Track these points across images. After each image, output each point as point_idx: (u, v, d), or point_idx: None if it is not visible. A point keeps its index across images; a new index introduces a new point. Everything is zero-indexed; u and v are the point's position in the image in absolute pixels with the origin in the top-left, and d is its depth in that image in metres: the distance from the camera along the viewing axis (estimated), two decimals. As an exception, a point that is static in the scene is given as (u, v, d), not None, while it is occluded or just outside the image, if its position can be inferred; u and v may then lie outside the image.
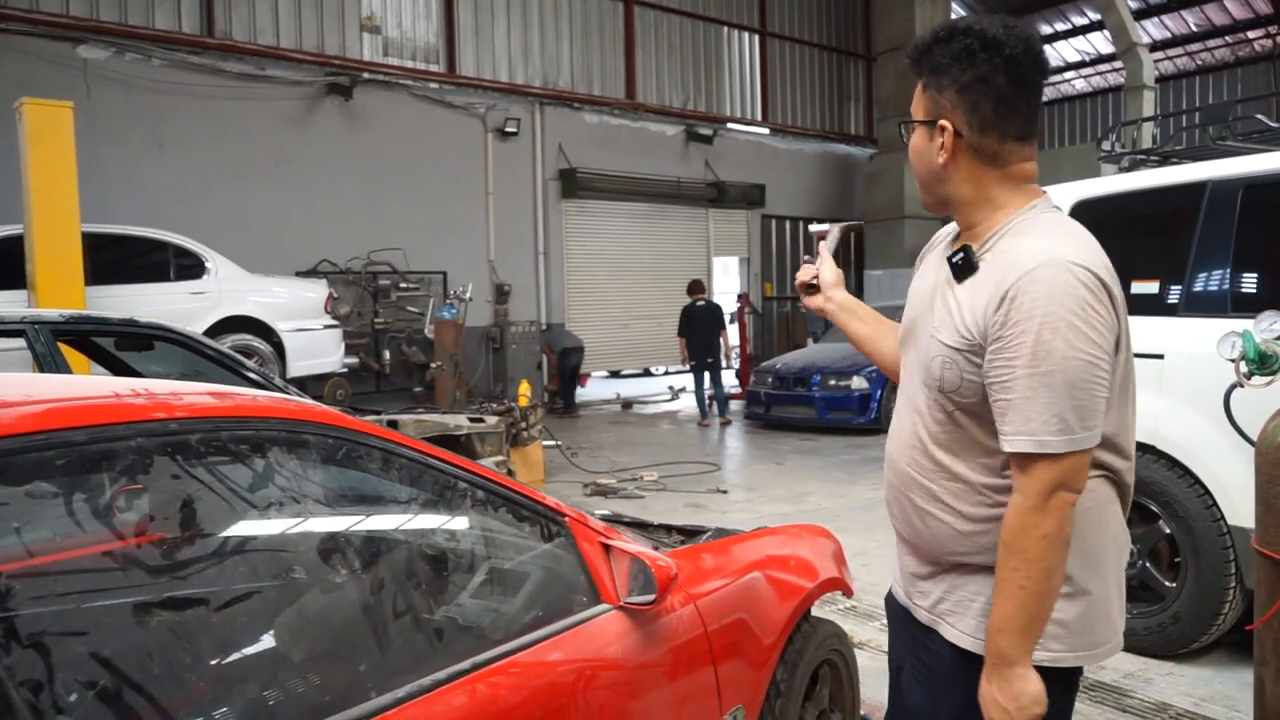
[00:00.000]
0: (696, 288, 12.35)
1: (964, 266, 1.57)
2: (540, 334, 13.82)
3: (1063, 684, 1.58)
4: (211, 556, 1.42)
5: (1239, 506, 3.51)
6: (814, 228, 2.08)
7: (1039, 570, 1.44)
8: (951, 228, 1.74)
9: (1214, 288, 3.82)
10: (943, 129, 1.56)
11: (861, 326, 1.97)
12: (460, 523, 1.84)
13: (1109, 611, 1.59)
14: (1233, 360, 2.60)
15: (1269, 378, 2.53)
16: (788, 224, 18.75)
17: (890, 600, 1.89)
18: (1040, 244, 1.48)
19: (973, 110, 1.53)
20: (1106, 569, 1.58)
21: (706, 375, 12.16)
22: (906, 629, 1.78)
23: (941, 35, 1.56)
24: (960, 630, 1.61)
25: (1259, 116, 4.72)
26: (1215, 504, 3.67)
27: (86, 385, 1.44)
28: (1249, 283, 3.81)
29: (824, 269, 1.99)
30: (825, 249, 2.03)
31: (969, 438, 1.56)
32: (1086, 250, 1.48)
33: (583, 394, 15.55)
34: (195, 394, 1.47)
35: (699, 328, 12.08)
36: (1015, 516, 1.45)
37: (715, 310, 12.35)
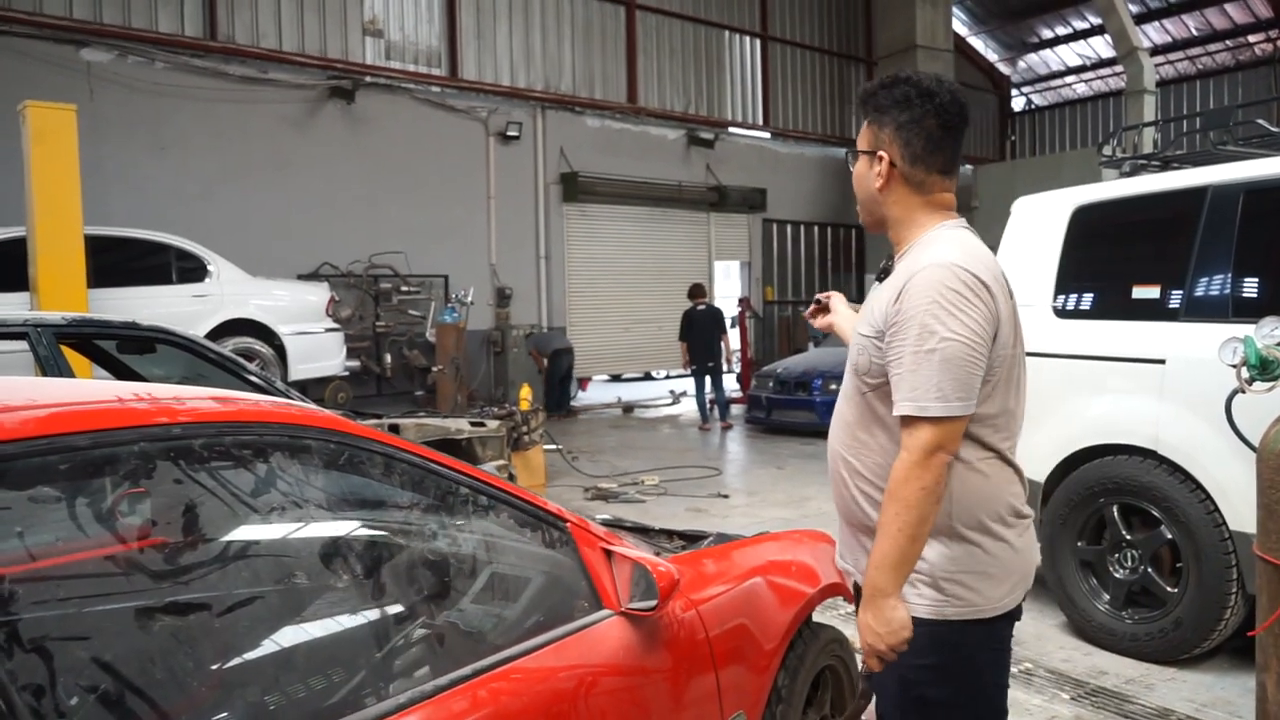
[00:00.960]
0: (697, 292, 12.34)
1: (884, 272, 1.93)
2: (526, 338, 13.77)
3: (953, 638, 1.81)
4: (214, 561, 1.42)
5: (1241, 512, 3.50)
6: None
7: (915, 516, 1.70)
8: None
9: (1215, 293, 3.81)
10: (880, 158, 1.88)
11: None
12: (462, 528, 1.84)
13: (1000, 578, 1.82)
14: (1234, 366, 2.60)
15: (1270, 383, 2.53)
16: (789, 228, 18.76)
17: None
18: (935, 251, 1.80)
19: (906, 145, 1.86)
20: (1003, 541, 1.82)
21: (707, 379, 12.15)
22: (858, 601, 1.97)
23: (886, 82, 1.90)
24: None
25: (1260, 121, 4.72)
26: (1217, 509, 3.66)
27: (89, 389, 1.44)
28: (1250, 288, 3.80)
29: (834, 297, 2.33)
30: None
31: (875, 415, 1.86)
32: (970, 257, 1.78)
33: (584, 397, 15.56)
34: (198, 399, 1.47)
35: (700, 332, 12.07)
36: (900, 469, 1.72)
37: (716, 314, 12.35)
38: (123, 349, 4.58)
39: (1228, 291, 3.78)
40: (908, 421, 1.72)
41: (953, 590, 1.80)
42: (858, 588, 1.93)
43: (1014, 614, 1.88)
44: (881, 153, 1.88)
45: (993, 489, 1.82)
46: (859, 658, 1.84)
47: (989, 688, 1.88)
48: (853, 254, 19.86)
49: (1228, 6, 20.51)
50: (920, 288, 1.73)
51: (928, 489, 1.70)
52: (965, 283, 1.72)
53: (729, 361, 12.71)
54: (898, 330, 1.75)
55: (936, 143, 1.85)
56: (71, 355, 4.32)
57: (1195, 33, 21.52)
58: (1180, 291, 3.92)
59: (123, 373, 4.55)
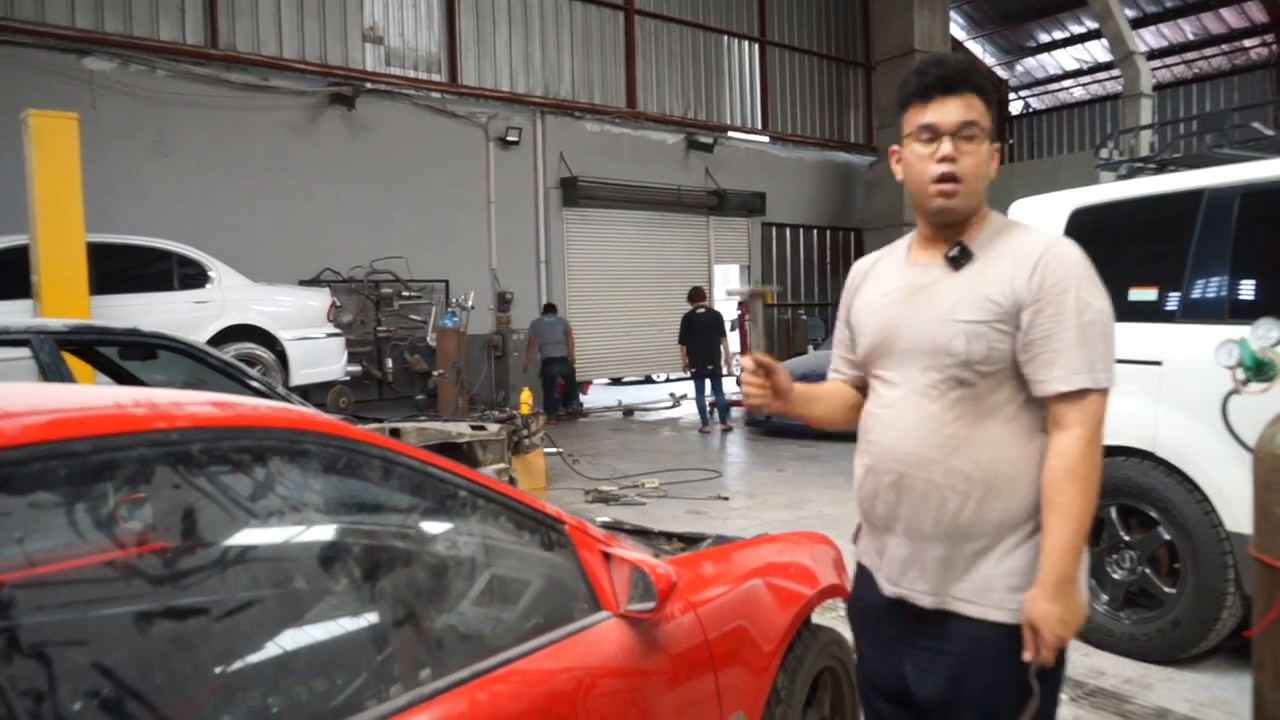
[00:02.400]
0: (697, 295, 12.35)
1: (961, 258, 1.77)
2: (532, 322, 13.73)
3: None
4: (213, 566, 1.43)
5: (1237, 513, 3.51)
6: (730, 290, 2.19)
7: (1092, 494, 1.65)
8: (877, 255, 1.98)
9: (1212, 295, 3.82)
10: (997, 147, 1.81)
11: (825, 405, 2.05)
12: (460, 531, 1.85)
13: None
14: (1230, 367, 2.61)
15: (1266, 384, 2.54)
16: (788, 231, 18.77)
17: (861, 607, 1.95)
18: (1038, 232, 1.77)
19: (994, 131, 1.79)
20: None
21: (707, 382, 12.16)
22: (898, 625, 1.83)
23: (967, 64, 1.78)
24: (986, 605, 1.71)
25: (1255, 125, 4.74)
26: (1214, 510, 3.67)
27: (89, 395, 1.45)
28: (1246, 290, 3.81)
29: (777, 378, 1.91)
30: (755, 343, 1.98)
31: (983, 407, 1.72)
32: None
33: (584, 401, 15.56)
34: (197, 404, 1.48)
35: (699, 335, 12.09)
36: (1077, 446, 1.64)
37: (715, 318, 12.36)
38: (124, 355, 4.60)
39: (1224, 293, 3.79)
40: (1075, 396, 1.65)
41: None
42: (912, 608, 1.79)
43: None
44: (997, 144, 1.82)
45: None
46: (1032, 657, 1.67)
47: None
48: (851, 257, 19.87)
49: (1224, 11, 20.55)
50: (1062, 262, 1.69)
51: (1099, 465, 1.66)
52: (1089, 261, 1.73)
53: (729, 364, 12.73)
54: (1045, 306, 1.67)
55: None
56: (74, 362, 4.33)
57: (1192, 37, 21.56)
58: (1177, 293, 3.93)
59: (125, 379, 4.57)
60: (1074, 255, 1.71)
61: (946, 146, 1.73)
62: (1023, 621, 1.67)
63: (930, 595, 1.76)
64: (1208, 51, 21.58)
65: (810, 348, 15.14)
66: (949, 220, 1.79)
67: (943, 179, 1.74)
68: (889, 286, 1.87)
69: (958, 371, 1.72)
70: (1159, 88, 18.11)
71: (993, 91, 1.78)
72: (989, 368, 1.71)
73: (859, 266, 2.01)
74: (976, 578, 1.72)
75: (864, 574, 1.95)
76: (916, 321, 1.78)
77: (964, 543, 1.73)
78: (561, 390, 13.87)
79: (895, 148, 1.86)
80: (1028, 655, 1.66)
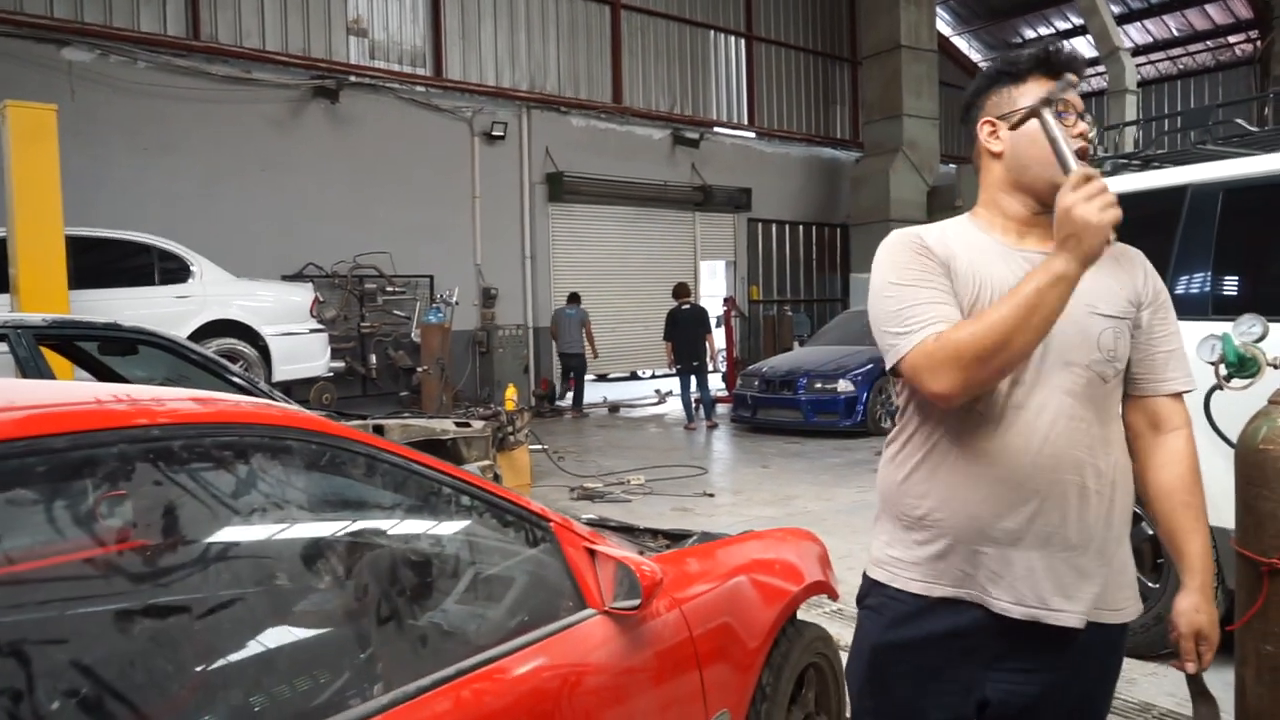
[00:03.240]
0: (681, 291, 12.34)
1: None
2: (554, 313, 13.99)
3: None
4: (194, 563, 1.41)
5: (1221, 507, 3.50)
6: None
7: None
8: (963, 230, 1.72)
9: (1195, 291, 3.84)
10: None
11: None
12: (444, 528, 1.84)
13: None
14: (1212, 363, 2.62)
15: (1248, 380, 2.55)
16: (774, 227, 18.80)
17: (918, 641, 1.68)
18: None
19: None
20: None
21: (693, 379, 12.17)
22: (985, 651, 1.65)
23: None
24: (1115, 609, 1.67)
25: (1239, 121, 4.76)
26: (1197, 505, 3.69)
27: (67, 391, 1.43)
28: (1230, 286, 3.84)
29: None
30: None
31: (1112, 409, 1.69)
32: None
33: (569, 397, 15.54)
34: (177, 400, 1.46)
35: (684, 331, 12.08)
36: (1191, 445, 1.70)
37: (700, 313, 12.36)
38: (104, 350, 4.56)
39: (1207, 289, 3.81)
40: (1180, 397, 1.72)
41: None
42: (1014, 625, 1.62)
43: None
44: None
45: None
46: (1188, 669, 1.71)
47: None
48: (838, 253, 19.92)
49: (1208, 7, 20.69)
50: (1154, 270, 1.74)
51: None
52: None
53: (714, 361, 12.73)
54: (1159, 307, 1.72)
55: None
56: (52, 357, 4.29)
57: (1176, 33, 21.69)
58: (1161, 289, 3.95)
59: (104, 374, 4.52)
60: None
61: (1085, 123, 1.65)
62: (1186, 632, 1.66)
63: (1072, 609, 1.60)
64: (1192, 47, 21.74)
65: (796, 344, 15.15)
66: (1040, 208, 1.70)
67: (1081, 154, 1.59)
68: (1000, 273, 1.63)
69: (1103, 369, 1.63)
70: (1144, 84, 18.24)
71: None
72: (1120, 365, 1.67)
73: (929, 240, 1.69)
74: (1112, 581, 1.64)
75: (928, 603, 1.67)
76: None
77: (1105, 547, 1.62)
78: (572, 385, 13.94)
79: (992, 119, 1.71)
80: (1191, 666, 1.67)
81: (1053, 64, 1.66)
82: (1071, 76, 1.65)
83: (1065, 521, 1.59)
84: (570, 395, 14.24)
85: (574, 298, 14.00)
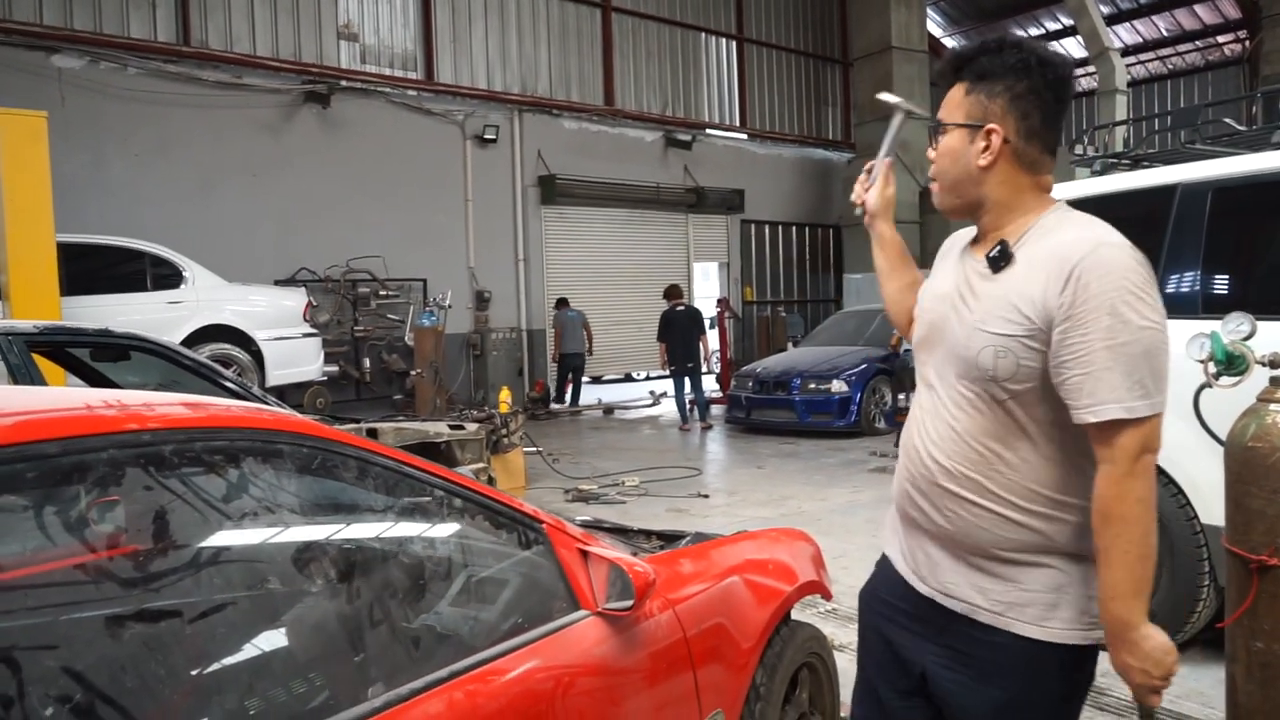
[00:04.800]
0: (674, 292, 12.36)
1: (1000, 259, 1.63)
2: (554, 316, 14.26)
3: (1082, 663, 1.67)
4: (186, 568, 1.41)
5: (1212, 505, 3.54)
6: (883, 97, 2.02)
7: (1139, 533, 1.51)
8: (967, 232, 1.80)
9: (1185, 289, 3.86)
10: (990, 133, 1.64)
11: (882, 261, 2.06)
12: (437, 531, 1.84)
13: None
14: (1201, 361, 2.63)
15: (1237, 378, 2.56)
16: (767, 228, 18.82)
17: (881, 596, 1.85)
18: (1086, 233, 1.56)
19: (1024, 119, 1.63)
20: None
21: (687, 380, 12.17)
22: (924, 622, 1.75)
23: (992, 46, 1.66)
24: (1025, 621, 1.63)
25: (1228, 120, 4.78)
26: (1189, 503, 3.71)
27: (58, 397, 1.43)
28: (1219, 284, 3.85)
29: (870, 195, 2.01)
30: (880, 167, 2.00)
31: (1016, 425, 1.60)
32: (1126, 239, 1.56)
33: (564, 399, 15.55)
34: (168, 405, 1.46)
35: (678, 333, 12.10)
36: (1110, 484, 1.50)
37: (694, 315, 12.37)
38: (96, 357, 4.54)
39: (1197, 288, 3.83)
40: (1106, 428, 1.49)
41: (1094, 611, 1.62)
42: (942, 610, 1.71)
43: None
44: (993, 126, 1.63)
45: None
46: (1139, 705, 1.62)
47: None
48: (830, 254, 19.95)
49: (1197, 8, 20.78)
50: (1101, 272, 1.49)
51: (1144, 499, 1.50)
52: (1143, 265, 1.52)
53: (707, 361, 12.74)
54: (1075, 324, 1.49)
55: (1054, 117, 1.64)
56: (45, 364, 4.28)
57: (1166, 33, 21.78)
58: (1151, 288, 3.96)
59: (97, 381, 4.51)
60: (1118, 263, 1.50)
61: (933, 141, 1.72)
62: (1133, 691, 1.59)
63: (961, 601, 1.68)
64: (1182, 47, 21.83)
65: (790, 345, 15.17)
66: (952, 217, 1.73)
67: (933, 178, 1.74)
68: (946, 284, 1.75)
69: (988, 387, 1.60)
70: (1133, 84, 18.31)
71: (993, 67, 1.65)
72: (1019, 385, 1.57)
73: (952, 240, 1.85)
74: (1011, 592, 1.63)
75: (889, 565, 1.85)
76: (954, 326, 1.67)
77: (997, 561, 1.64)
78: (570, 384, 14.06)
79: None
80: (1156, 700, 1.58)
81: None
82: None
83: (951, 524, 1.67)
84: (569, 394, 14.49)
85: (564, 302, 14.34)
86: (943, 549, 1.71)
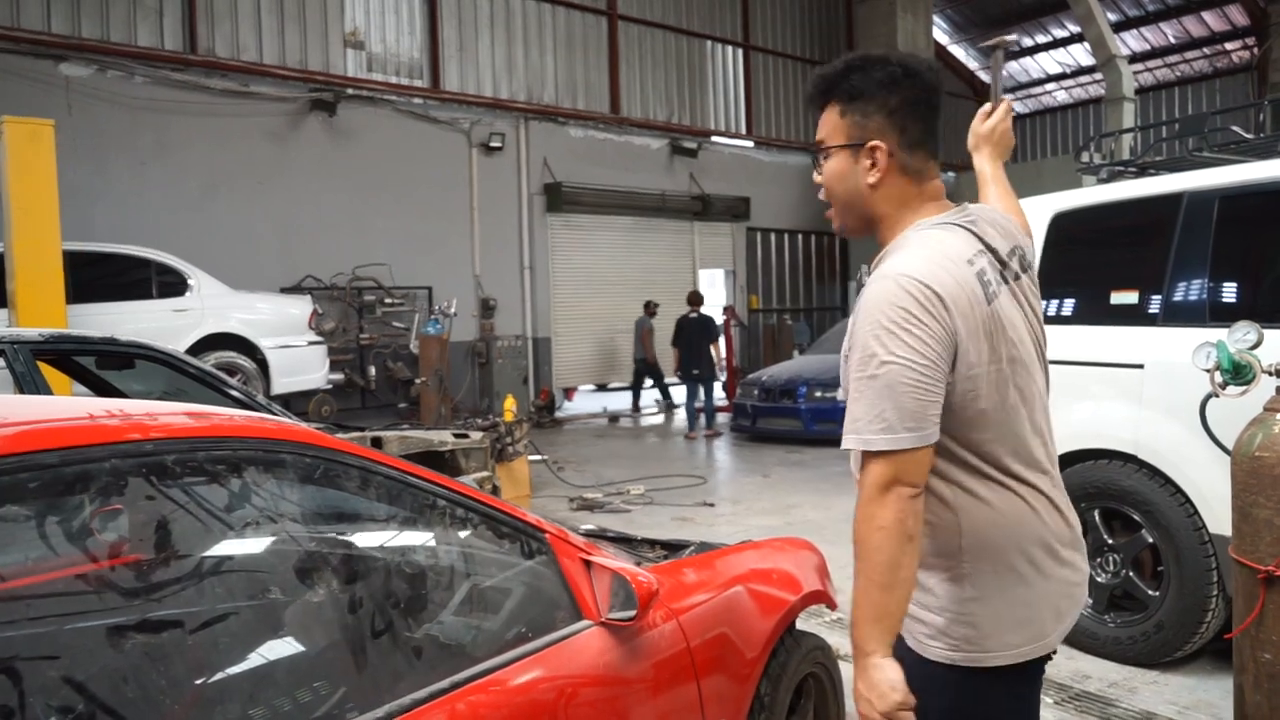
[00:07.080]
0: (695, 299, 12.44)
1: (861, 285, 1.66)
2: (636, 321, 14.48)
3: (957, 683, 1.63)
4: (188, 578, 1.41)
5: (1219, 515, 3.52)
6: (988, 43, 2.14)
7: (880, 561, 1.50)
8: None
9: (1192, 298, 3.85)
10: (874, 150, 1.64)
11: (983, 187, 2.06)
12: (440, 540, 1.84)
13: (1015, 622, 1.62)
14: (1208, 370, 2.62)
15: (1243, 387, 2.55)
16: (773, 236, 18.82)
17: None
18: (894, 260, 1.59)
19: (903, 131, 1.64)
20: (1022, 580, 1.62)
21: (693, 386, 12.16)
22: None
23: (857, 64, 1.66)
24: (905, 630, 1.68)
25: (1235, 128, 4.77)
26: (1196, 513, 3.69)
27: (60, 406, 1.43)
28: (1226, 293, 3.84)
29: (983, 123, 2.03)
30: (1002, 105, 2.03)
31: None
32: (925, 264, 1.54)
33: (569, 407, 15.55)
34: (171, 414, 1.46)
35: (687, 340, 12.12)
36: (858, 509, 1.54)
37: (705, 322, 12.39)
38: (102, 365, 4.55)
39: (1204, 296, 3.81)
40: (863, 455, 1.53)
41: (961, 633, 1.61)
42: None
43: (1040, 661, 1.68)
44: (876, 142, 1.63)
45: (1007, 522, 1.61)
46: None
47: None
48: (837, 262, 19.94)
49: (1205, 15, 20.73)
50: (864, 306, 1.54)
51: (887, 529, 1.49)
52: (914, 296, 1.50)
53: (716, 369, 12.74)
54: (849, 354, 1.57)
55: (930, 125, 1.66)
56: (50, 372, 4.29)
57: (1173, 40, 21.74)
58: (1158, 296, 3.95)
59: (102, 389, 4.52)
60: (880, 297, 1.52)
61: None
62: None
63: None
64: (1189, 54, 21.77)
65: (796, 353, 15.15)
66: (852, 236, 1.78)
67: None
68: None
69: None
70: (1141, 91, 18.26)
71: (864, 85, 1.64)
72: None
73: None
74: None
75: None
76: None
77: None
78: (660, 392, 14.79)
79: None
80: None
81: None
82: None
83: None
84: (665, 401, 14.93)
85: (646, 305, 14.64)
86: None
